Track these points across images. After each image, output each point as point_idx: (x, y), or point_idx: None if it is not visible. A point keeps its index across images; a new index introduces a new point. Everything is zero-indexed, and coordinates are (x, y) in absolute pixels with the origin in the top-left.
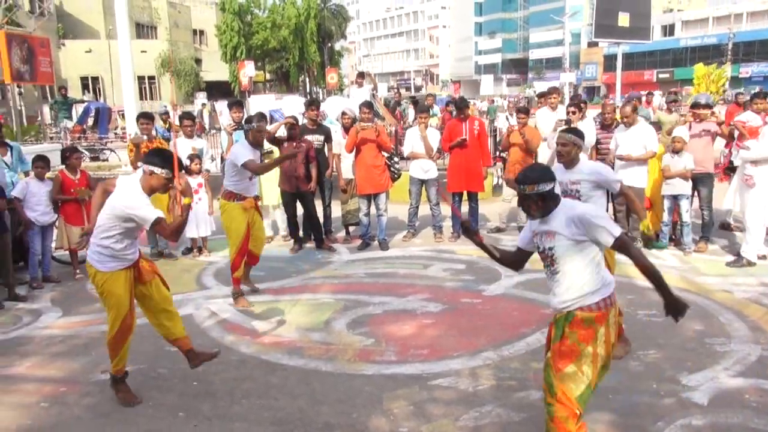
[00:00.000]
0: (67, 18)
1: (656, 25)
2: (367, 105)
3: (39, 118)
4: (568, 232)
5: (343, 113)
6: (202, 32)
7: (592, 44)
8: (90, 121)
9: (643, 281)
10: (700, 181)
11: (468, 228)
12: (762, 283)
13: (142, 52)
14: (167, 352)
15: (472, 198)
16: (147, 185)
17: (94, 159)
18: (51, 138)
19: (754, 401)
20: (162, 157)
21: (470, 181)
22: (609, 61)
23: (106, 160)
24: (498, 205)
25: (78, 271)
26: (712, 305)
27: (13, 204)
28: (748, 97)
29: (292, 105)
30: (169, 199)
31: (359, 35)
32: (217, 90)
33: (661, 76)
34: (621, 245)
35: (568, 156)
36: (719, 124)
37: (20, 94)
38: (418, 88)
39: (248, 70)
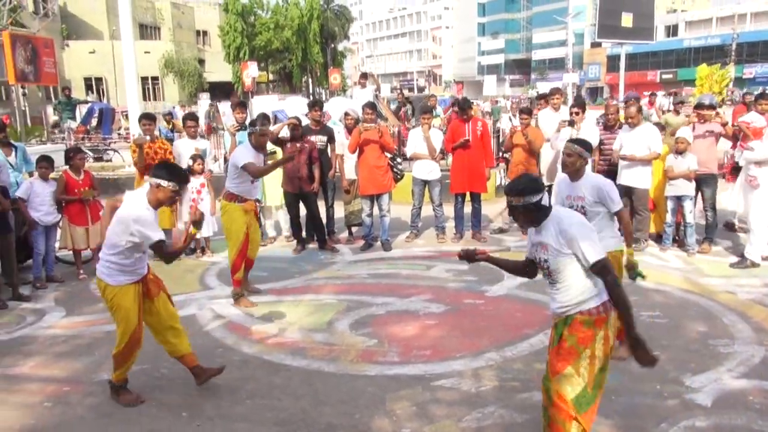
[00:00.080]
0: (71, 19)
1: (659, 26)
2: (370, 106)
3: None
4: (556, 243)
5: (346, 114)
6: (205, 33)
7: (595, 45)
8: (94, 122)
9: (646, 282)
10: (704, 182)
11: (469, 255)
12: (766, 284)
13: (145, 52)
14: None
15: (475, 199)
16: (154, 198)
17: (98, 159)
18: (54, 140)
19: (758, 403)
20: (169, 170)
21: (473, 181)
22: (612, 62)
23: (110, 160)
24: (501, 206)
25: (81, 271)
26: (716, 306)
27: (17, 204)
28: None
29: (295, 106)
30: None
31: (362, 36)
32: (220, 91)
33: (664, 76)
34: (599, 270)
35: (572, 167)
36: (723, 124)
37: (24, 94)
38: (421, 89)
39: (251, 71)
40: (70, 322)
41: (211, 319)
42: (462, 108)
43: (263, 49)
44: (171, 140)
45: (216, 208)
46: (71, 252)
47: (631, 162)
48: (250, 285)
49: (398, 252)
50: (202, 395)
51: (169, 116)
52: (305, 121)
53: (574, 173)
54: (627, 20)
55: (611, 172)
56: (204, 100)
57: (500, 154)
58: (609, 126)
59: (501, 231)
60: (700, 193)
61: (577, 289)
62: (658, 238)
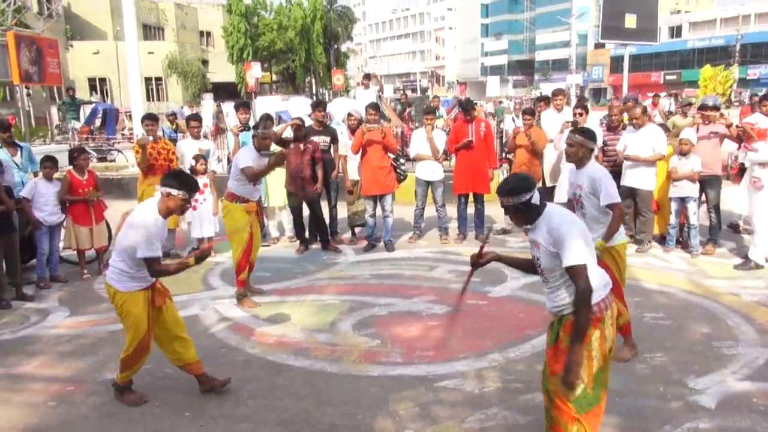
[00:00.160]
0: (75, 19)
1: (663, 27)
2: (373, 106)
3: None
4: (545, 242)
5: (350, 114)
6: (209, 34)
7: (598, 46)
8: (97, 122)
9: (649, 284)
10: (708, 184)
11: (478, 263)
12: None
13: (149, 53)
14: None
15: (478, 200)
16: (164, 207)
17: (102, 160)
18: (58, 141)
19: (762, 405)
20: (178, 178)
21: (476, 182)
22: (616, 63)
23: (114, 160)
24: None
25: (85, 271)
26: (720, 308)
27: (21, 204)
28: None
29: (299, 106)
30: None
31: (365, 37)
32: (223, 91)
33: (668, 77)
34: (573, 274)
35: (574, 156)
36: (728, 125)
37: (28, 95)
38: (424, 90)
39: (255, 72)
40: (73, 321)
41: (214, 320)
42: (465, 109)
43: (266, 50)
44: (174, 141)
45: (218, 209)
46: (75, 252)
47: (635, 163)
48: (252, 286)
49: (401, 253)
50: (205, 395)
51: (173, 116)
52: (308, 122)
53: (578, 162)
54: (630, 21)
55: (615, 173)
56: (207, 101)
57: (503, 154)
58: (612, 127)
59: (504, 232)
60: (704, 195)
61: (569, 289)
62: (662, 240)
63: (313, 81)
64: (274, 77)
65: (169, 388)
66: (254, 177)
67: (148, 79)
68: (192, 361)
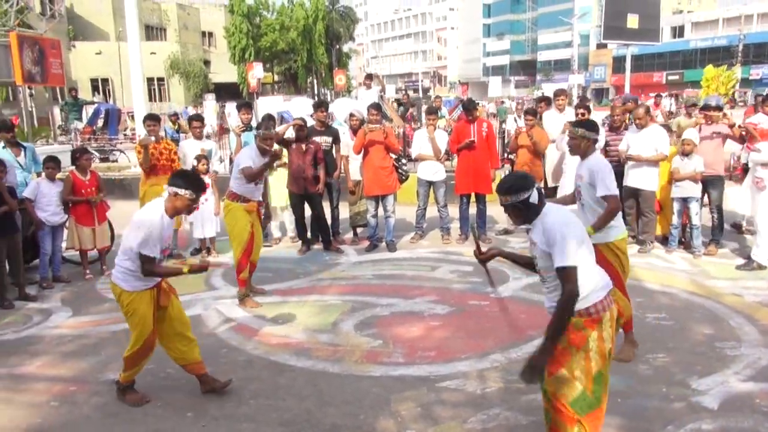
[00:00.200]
0: (78, 20)
1: (666, 27)
2: (375, 107)
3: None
4: (540, 242)
5: (351, 115)
6: (211, 34)
7: (600, 46)
8: (100, 123)
9: (652, 284)
10: (710, 184)
11: (483, 259)
12: None
13: (151, 53)
14: None
15: (480, 200)
16: (171, 206)
17: (104, 160)
18: (61, 142)
19: (765, 406)
20: (185, 178)
21: (478, 182)
22: (618, 63)
23: (116, 161)
24: None
25: (88, 271)
26: (722, 309)
27: (24, 204)
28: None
29: (301, 107)
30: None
31: (367, 37)
32: (225, 91)
33: (670, 78)
34: (561, 276)
35: (577, 149)
36: (731, 126)
37: (31, 95)
38: (425, 90)
39: (257, 72)
40: (76, 322)
41: (216, 320)
42: (467, 109)
43: (268, 50)
44: (177, 141)
45: (220, 209)
46: (78, 252)
47: (638, 163)
48: (254, 287)
49: (403, 253)
50: (207, 396)
51: (175, 117)
52: (310, 122)
53: (583, 154)
54: (633, 21)
55: (618, 174)
56: (210, 101)
57: (505, 155)
58: (614, 127)
59: (506, 232)
60: (706, 195)
61: None
62: (664, 240)
63: (315, 81)
64: (276, 77)
65: (171, 388)
66: (252, 177)
67: (150, 80)
68: (194, 361)
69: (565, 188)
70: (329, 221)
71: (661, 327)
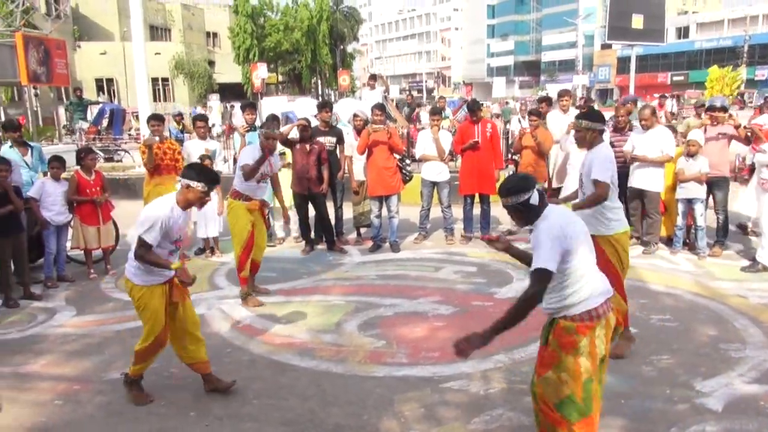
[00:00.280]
0: (83, 20)
1: (670, 27)
2: (379, 107)
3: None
4: (531, 243)
5: (355, 115)
6: (215, 34)
7: (605, 46)
8: (105, 123)
9: (656, 285)
10: (715, 185)
11: (492, 240)
12: None
13: (156, 54)
14: None
15: (484, 200)
16: (183, 199)
17: (108, 160)
18: (66, 142)
19: None
20: (197, 170)
21: (482, 183)
22: (622, 64)
23: (120, 161)
24: None
25: (92, 270)
26: (727, 310)
27: (29, 204)
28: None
29: (305, 107)
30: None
31: (371, 37)
32: (229, 92)
33: (675, 78)
34: (531, 276)
35: (583, 141)
36: (737, 126)
37: (36, 95)
38: (429, 91)
39: (261, 72)
40: (80, 321)
41: (220, 319)
42: (472, 110)
43: (273, 51)
44: (181, 141)
45: (224, 208)
46: (82, 251)
47: (643, 164)
48: (258, 286)
49: (407, 253)
50: (211, 395)
51: (179, 117)
52: (314, 123)
53: (589, 146)
54: (637, 22)
55: (623, 174)
56: (214, 101)
57: (509, 155)
58: (619, 128)
59: (510, 233)
60: (711, 196)
61: (557, 295)
62: (669, 241)
63: (319, 82)
64: (280, 78)
65: (174, 387)
66: (248, 174)
67: (154, 80)
68: (201, 361)
69: (569, 189)
70: (333, 221)
71: (666, 328)
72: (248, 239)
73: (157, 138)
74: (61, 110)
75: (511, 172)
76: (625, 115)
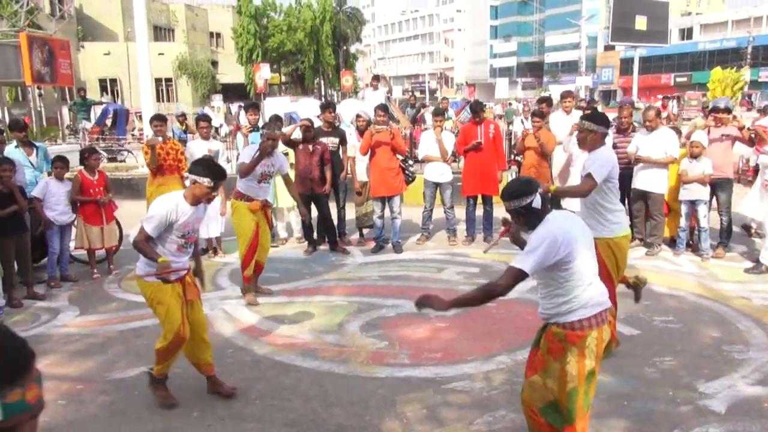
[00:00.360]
0: (87, 20)
1: (674, 29)
2: (382, 108)
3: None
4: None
5: (358, 116)
6: (218, 35)
7: (608, 47)
8: (108, 123)
9: (659, 287)
10: (719, 187)
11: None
12: None
13: (159, 54)
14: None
15: (487, 201)
16: (191, 194)
17: (112, 160)
18: (69, 142)
19: None
20: (204, 165)
21: (485, 184)
22: (626, 65)
23: (124, 161)
24: None
25: (95, 270)
26: (730, 312)
27: (32, 204)
28: None
29: (308, 107)
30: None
31: (374, 38)
32: (233, 92)
33: (678, 79)
34: (505, 270)
35: (584, 142)
36: (741, 128)
37: (40, 95)
38: (432, 91)
39: (264, 73)
40: (83, 321)
41: (223, 320)
42: (474, 111)
43: (276, 51)
44: (184, 141)
45: (226, 209)
46: (86, 251)
47: (647, 165)
48: (261, 287)
49: (409, 254)
50: (213, 395)
51: (182, 117)
52: (317, 123)
53: (590, 148)
54: (641, 23)
55: (626, 176)
56: (217, 102)
57: (512, 156)
58: (622, 129)
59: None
60: (714, 198)
61: (551, 301)
62: (672, 243)
63: (322, 82)
64: (283, 78)
65: (177, 387)
66: (243, 173)
67: (158, 80)
68: (205, 362)
69: None
70: (336, 222)
71: (669, 330)
72: (253, 238)
73: (160, 138)
74: (65, 110)
75: (513, 173)
76: (628, 116)
